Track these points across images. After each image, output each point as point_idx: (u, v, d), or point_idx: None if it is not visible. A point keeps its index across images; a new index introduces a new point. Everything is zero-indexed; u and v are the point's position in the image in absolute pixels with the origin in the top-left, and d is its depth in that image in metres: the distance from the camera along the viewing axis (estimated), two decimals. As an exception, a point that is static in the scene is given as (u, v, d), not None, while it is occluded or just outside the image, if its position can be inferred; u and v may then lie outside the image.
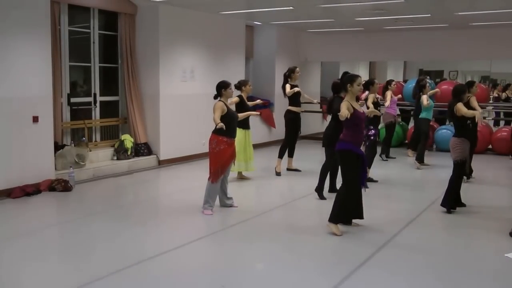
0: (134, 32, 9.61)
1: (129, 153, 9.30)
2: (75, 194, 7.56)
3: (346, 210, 5.71)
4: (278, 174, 8.90)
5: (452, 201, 6.64)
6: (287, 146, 8.98)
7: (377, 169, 9.03)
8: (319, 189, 7.26)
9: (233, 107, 7.24)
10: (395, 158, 10.76)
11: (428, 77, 11.47)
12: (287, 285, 4.40)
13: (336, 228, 5.62)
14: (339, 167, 5.86)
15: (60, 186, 7.61)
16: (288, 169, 9.16)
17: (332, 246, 5.42)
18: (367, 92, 8.50)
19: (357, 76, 5.65)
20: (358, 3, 9.04)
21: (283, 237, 5.71)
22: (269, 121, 12.72)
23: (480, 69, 16.54)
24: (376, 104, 8.20)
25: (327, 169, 7.23)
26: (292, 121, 8.87)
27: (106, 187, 8.16)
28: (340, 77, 6.05)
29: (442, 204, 6.67)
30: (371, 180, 8.18)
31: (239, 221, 6.24)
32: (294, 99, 8.80)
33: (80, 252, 5.19)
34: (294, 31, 13.74)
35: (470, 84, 8.36)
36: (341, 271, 4.64)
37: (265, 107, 12.64)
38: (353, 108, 5.47)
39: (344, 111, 5.29)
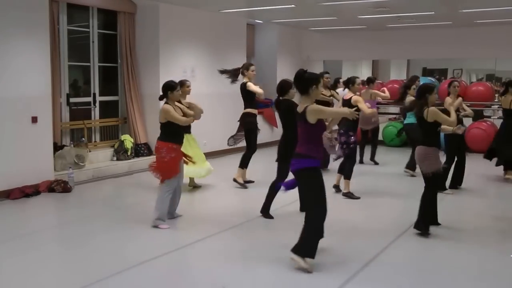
0: (133, 31, 9.55)
1: (129, 153, 9.24)
2: (74, 195, 7.52)
3: (314, 242, 4.64)
4: (243, 185, 7.96)
5: (428, 223, 5.67)
6: (252, 153, 8.00)
7: (368, 176, 8.80)
8: (264, 210, 6.35)
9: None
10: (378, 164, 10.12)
11: (436, 76, 11.24)
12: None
13: (303, 262, 4.57)
14: (299, 189, 4.94)
15: (60, 187, 7.55)
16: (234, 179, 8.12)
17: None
18: (346, 90, 7.49)
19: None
20: (360, 1, 8.95)
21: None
22: (271, 121, 12.63)
23: (485, 67, 16.43)
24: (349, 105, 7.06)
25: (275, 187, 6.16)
26: (253, 124, 7.94)
27: (106, 188, 8.10)
28: (296, 75, 4.69)
29: (416, 227, 5.67)
30: (352, 196, 7.26)
31: (238, 222, 6.17)
32: (253, 99, 7.89)
33: (80, 254, 5.15)
34: (295, 29, 13.66)
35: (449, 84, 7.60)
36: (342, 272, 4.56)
37: (267, 107, 12.54)
38: None
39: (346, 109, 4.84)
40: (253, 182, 8.12)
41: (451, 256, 5.16)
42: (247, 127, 7.94)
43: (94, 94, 9.26)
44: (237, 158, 8.09)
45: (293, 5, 9.49)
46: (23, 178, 7.32)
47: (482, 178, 8.70)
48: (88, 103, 9.21)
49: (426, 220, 5.66)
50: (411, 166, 8.85)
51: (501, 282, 4.55)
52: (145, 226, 5.94)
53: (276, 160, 6.22)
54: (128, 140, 9.30)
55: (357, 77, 7.45)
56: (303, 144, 4.65)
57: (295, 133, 4.81)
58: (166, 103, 5.93)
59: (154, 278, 4.52)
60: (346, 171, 7.30)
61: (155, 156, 6.19)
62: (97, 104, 9.31)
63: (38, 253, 5.13)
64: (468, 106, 8.36)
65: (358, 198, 7.26)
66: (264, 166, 8.96)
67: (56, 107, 8.16)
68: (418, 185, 7.33)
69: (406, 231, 5.81)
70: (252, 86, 7.75)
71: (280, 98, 6.16)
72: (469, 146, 11.33)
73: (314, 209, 4.63)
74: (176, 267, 4.92)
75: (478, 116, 12.59)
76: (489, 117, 12.89)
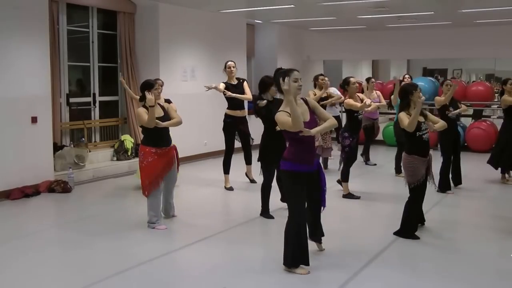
0: (133, 31, 9.54)
1: (129, 153, 9.22)
2: (74, 196, 7.51)
3: (300, 247, 4.47)
4: (230, 189, 7.76)
5: (410, 231, 5.46)
6: (230, 156, 7.81)
7: (368, 176, 8.75)
8: (263, 212, 6.30)
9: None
10: (375, 164, 9.97)
11: (437, 76, 11.19)
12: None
13: (299, 269, 4.51)
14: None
15: (60, 187, 7.54)
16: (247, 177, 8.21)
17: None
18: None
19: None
20: (360, 1, 8.94)
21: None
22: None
23: (484, 67, 16.41)
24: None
25: (267, 188, 6.18)
26: (229, 125, 7.73)
27: (106, 188, 8.09)
28: (275, 73, 4.52)
29: (397, 233, 5.49)
30: (352, 197, 7.19)
31: (238, 222, 6.16)
32: (230, 100, 7.65)
33: (80, 254, 5.14)
34: (295, 29, 13.65)
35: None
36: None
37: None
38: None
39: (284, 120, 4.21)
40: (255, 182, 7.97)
41: (450, 256, 5.15)
42: (223, 127, 7.80)
43: (94, 94, 9.25)
44: (235, 158, 8.07)
45: (292, 5, 9.49)
46: (23, 178, 7.31)
47: (481, 178, 8.68)
48: (88, 103, 9.20)
49: (408, 229, 5.43)
50: (397, 169, 8.74)
51: (502, 281, 4.54)
52: (145, 227, 5.93)
53: (258, 160, 6.12)
54: (128, 140, 9.29)
55: (352, 77, 7.29)
56: (287, 147, 4.50)
57: (273, 132, 4.66)
58: (143, 106, 5.68)
59: (154, 278, 4.51)
60: (342, 173, 7.20)
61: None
62: (97, 104, 9.30)
63: (38, 253, 5.12)
64: (468, 106, 8.35)
65: (358, 197, 7.21)
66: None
67: (56, 107, 8.15)
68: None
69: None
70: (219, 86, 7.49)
71: (262, 96, 6.06)
72: (470, 146, 11.34)
73: (290, 214, 4.46)
74: (176, 267, 4.91)
75: (477, 115, 12.61)
76: (489, 116, 12.90)
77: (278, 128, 4.34)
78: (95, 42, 9.17)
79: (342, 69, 15.75)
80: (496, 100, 11.82)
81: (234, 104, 7.69)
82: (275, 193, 6.32)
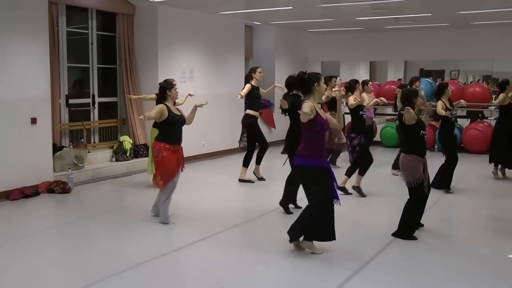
0: (132, 32, 9.57)
1: (128, 154, 9.26)
2: (73, 196, 7.53)
3: (321, 227, 4.94)
4: (248, 181, 8.27)
5: (409, 232, 5.53)
6: (252, 152, 8.35)
7: (367, 176, 8.72)
8: (284, 202, 6.52)
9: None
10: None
11: (430, 78, 11.25)
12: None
13: (313, 247, 4.99)
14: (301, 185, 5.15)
15: (59, 188, 7.57)
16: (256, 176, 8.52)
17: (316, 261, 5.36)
18: (349, 94, 7.57)
19: (321, 74, 5.04)
20: (357, 3, 8.98)
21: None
22: (269, 122, 12.66)
23: (481, 68, 16.48)
24: (359, 108, 7.42)
25: (292, 179, 6.33)
26: (254, 125, 8.25)
27: (105, 188, 8.11)
28: (299, 74, 5.19)
29: (395, 235, 5.52)
30: (359, 192, 7.43)
31: (238, 222, 6.19)
32: (253, 102, 8.22)
33: (79, 254, 5.16)
34: (293, 31, 13.70)
35: (444, 86, 7.61)
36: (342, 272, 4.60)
37: (265, 107, 12.59)
38: (316, 112, 4.79)
39: (307, 112, 4.62)
40: (264, 179, 8.40)
41: (450, 256, 5.18)
42: (247, 127, 8.28)
43: (93, 95, 9.28)
44: (235, 159, 8.11)
45: (291, 7, 9.53)
46: (22, 179, 7.34)
47: (480, 178, 8.74)
48: (87, 104, 9.23)
49: (408, 229, 5.50)
50: (395, 165, 8.90)
51: (500, 282, 4.56)
52: (144, 227, 5.97)
53: (282, 152, 6.49)
54: (127, 141, 9.32)
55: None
56: (302, 142, 4.88)
57: (298, 127, 5.03)
58: (164, 104, 6.00)
59: (154, 278, 4.53)
60: (360, 168, 7.42)
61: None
62: (96, 105, 9.33)
63: (37, 253, 5.14)
64: (465, 107, 8.49)
65: (364, 196, 7.39)
66: (264, 165, 9.01)
67: (56, 108, 8.18)
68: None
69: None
70: (245, 88, 8.03)
71: (289, 93, 6.49)
72: (466, 147, 11.40)
73: (316, 203, 4.82)
74: (175, 267, 4.93)
75: (474, 116, 12.68)
76: (486, 118, 12.94)
77: (306, 118, 4.67)
78: (94, 43, 9.20)
79: (339, 71, 15.80)
80: (494, 101, 11.87)
81: (255, 104, 8.27)
82: (275, 193, 6.34)
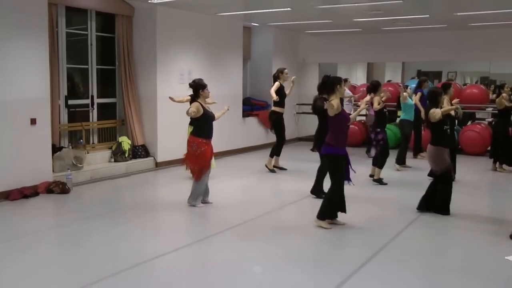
0: (131, 34, 9.60)
1: (126, 155, 9.28)
2: (72, 197, 7.55)
3: (332, 206, 5.98)
4: (272, 171, 9.21)
5: (446, 207, 6.52)
6: (281, 145, 9.23)
7: (364, 166, 8.97)
8: (315, 191, 7.34)
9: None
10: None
11: (425, 78, 11.34)
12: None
13: (325, 223, 5.92)
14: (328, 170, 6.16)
15: (58, 188, 7.59)
16: (275, 167, 9.36)
17: (327, 248, 5.40)
18: (372, 95, 8.26)
19: (341, 78, 5.99)
20: (355, 4, 9.02)
21: (276, 239, 5.69)
22: (266, 123, 12.67)
23: (479, 70, 16.53)
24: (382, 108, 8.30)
25: (322, 171, 7.23)
26: (279, 121, 9.13)
27: (104, 189, 8.14)
28: (323, 78, 6.49)
29: (437, 211, 6.51)
30: (381, 183, 8.28)
31: (237, 223, 6.22)
32: (279, 99, 8.98)
33: (78, 255, 5.18)
34: (291, 32, 13.74)
35: (447, 86, 8.25)
36: (342, 272, 4.64)
37: (263, 109, 12.62)
38: (342, 108, 5.80)
39: (334, 105, 5.63)
40: (286, 169, 9.32)
41: (449, 256, 5.22)
42: (273, 122, 9.18)
43: (92, 96, 9.31)
44: (234, 159, 8.14)
45: (289, 8, 9.57)
46: (21, 179, 7.36)
47: (475, 180, 8.78)
48: (86, 105, 9.26)
49: (445, 204, 6.45)
50: (400, 160, 9.67)
51: (497, 284, 4.56)
52: (143, 227, 5.99)
53: (312, 149, 7.53)
54: (125, 142, 9.35)
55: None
56: (329, 134, 5.83)
57: (325, 127, 6.13)
58: (197, 101, 6.63)
59: (153, 278, 4.55)
60: (378, 162, 8.30)
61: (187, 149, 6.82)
62: (95, 106, 9.35)
63: (37, 254, 5.16)
64: (462, 109, 8.68)
65: (386, 184, 8.24)
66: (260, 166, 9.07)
67: (55, 109, 8.20)
68: (420, 178, 8.05)
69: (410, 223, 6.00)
70: (272, 88, 8.91)
71: (320, 96, 7.22)
72: (464, 148, 11.44)
73: (333, 184, 5.84)
74: (174, 267, 4.93)
75: (469, 118, 12.75)
76: (484, 119, 12.99)
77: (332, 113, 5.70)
78: (93, 44, 9.23)
79: (337, 72, 15.85)
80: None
81: (281, 102, 9.04)
82: (273, 191, 6.36)
